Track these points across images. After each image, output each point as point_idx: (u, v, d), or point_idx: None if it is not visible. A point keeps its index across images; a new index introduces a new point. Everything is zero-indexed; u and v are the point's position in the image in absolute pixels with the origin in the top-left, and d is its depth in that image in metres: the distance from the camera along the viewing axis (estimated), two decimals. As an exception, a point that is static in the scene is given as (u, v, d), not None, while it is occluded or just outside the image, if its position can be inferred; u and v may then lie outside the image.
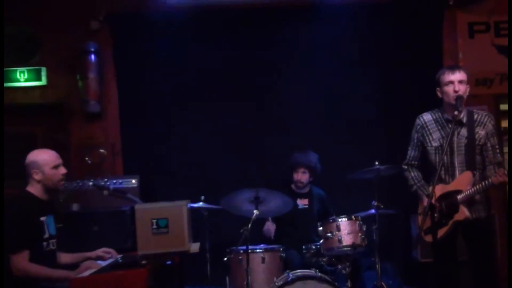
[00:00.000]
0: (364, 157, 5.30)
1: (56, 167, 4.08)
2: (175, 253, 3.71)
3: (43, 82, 6.16)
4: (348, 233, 4.72)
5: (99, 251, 4.37)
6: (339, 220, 4.79)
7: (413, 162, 4.54)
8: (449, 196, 4.18)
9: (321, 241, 4.80)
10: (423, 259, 5.35)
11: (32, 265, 3.82)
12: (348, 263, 4.72)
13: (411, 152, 4.53)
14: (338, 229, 4.73)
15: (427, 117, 4.42)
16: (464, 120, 4.25)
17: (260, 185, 4.65)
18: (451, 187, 4.23)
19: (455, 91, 4.18)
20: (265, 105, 6.15)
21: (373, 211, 4.90)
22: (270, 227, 5.19)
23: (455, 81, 4.20)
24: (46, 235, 4.02)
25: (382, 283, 4.88)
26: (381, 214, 4.91)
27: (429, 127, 4.38)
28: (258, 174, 5.94)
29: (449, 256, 4.29)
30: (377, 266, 4.90)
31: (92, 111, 6.01)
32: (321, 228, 4.83)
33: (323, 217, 5.25)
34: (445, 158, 4.23)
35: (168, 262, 3.84)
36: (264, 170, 5.98)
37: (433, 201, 3.81)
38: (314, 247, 4.93)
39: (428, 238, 4.16)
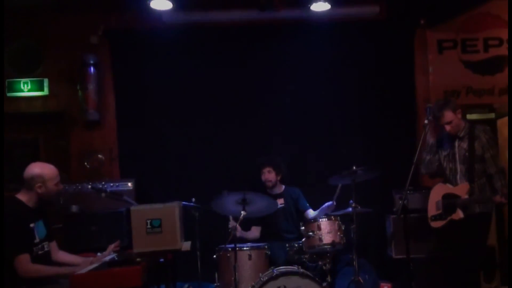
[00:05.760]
0: (343, 160, 5.27)
1: (57, 183, 4.02)
2: (168, 251, 3.69)
3: (45, 92, 6.08)
4: (328, 232, 4.71)
5: (111, 246, 4.27)
6: (320, 220, 4.78)
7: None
8: (450, 197, 4.62)
9: (304, 239, 4.76)
10: (397, 255, 5.33)
11: (37, 265, 3.77)
12: (328, 260, 4.69)
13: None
14: (319, 228, 4.71)
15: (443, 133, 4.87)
16: (461, 134, 4.67)
17: (246, 189, 4.61)
18: (453, 190, 4.65)
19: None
20: (250, 117, 6.06)
21: (350, 209, 4.85)
22: (232, 224, 4.99)
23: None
24: (37, 240, 3.93)
25: (359, 278, 4.82)
26: (358, 214, 4.85)
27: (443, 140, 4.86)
28: (243, 178, 5.84)
29: (445, 243, 4.70)
30: (354, 262, 4.83)
31: (91, 119, 5.95)
32: (303, 228, 4.80)
33: (298, 211, 5.39)
34: (450, 164, 4.73)
35: (161, 260, 3.79)
36: (248, 175, 5.85)
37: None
38: (297, 245, 4.89)
39: (434, 224, 4.71)
